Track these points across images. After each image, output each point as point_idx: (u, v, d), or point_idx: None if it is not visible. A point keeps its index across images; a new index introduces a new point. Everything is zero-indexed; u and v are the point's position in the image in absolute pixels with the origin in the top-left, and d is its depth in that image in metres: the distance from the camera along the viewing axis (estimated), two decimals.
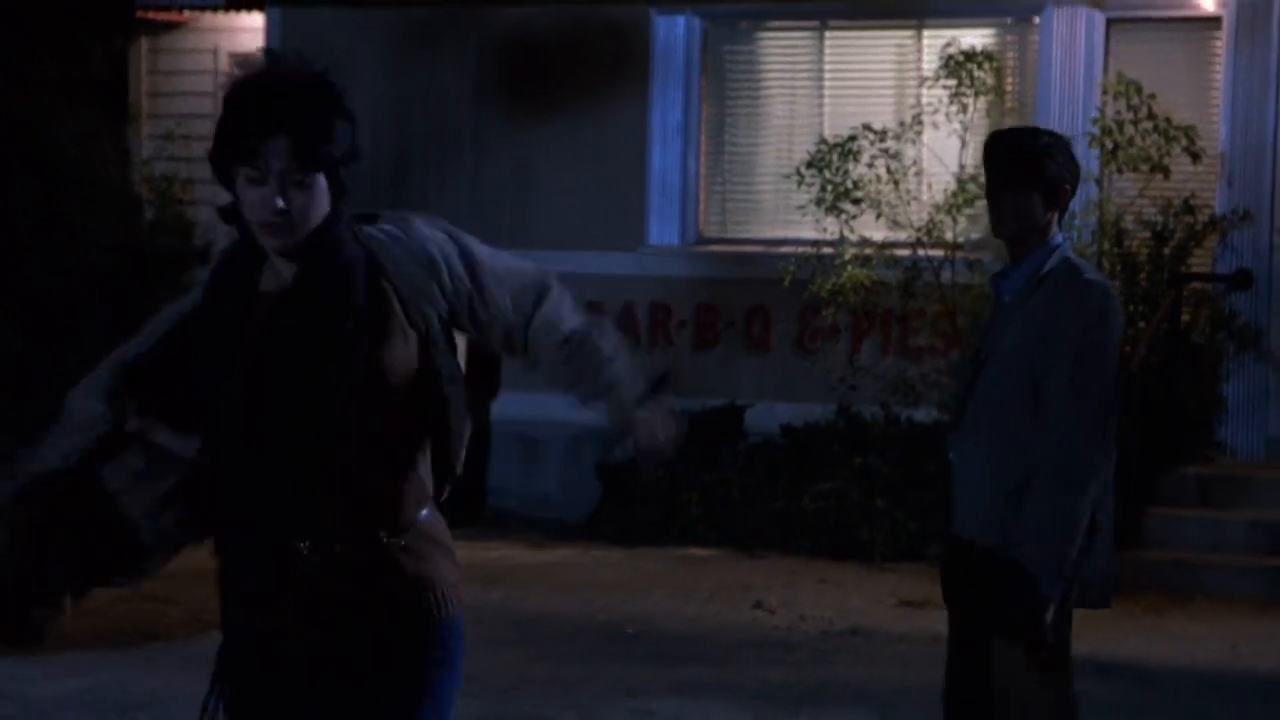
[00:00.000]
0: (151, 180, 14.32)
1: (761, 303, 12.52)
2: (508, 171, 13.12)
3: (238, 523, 3.47)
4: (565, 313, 3.58)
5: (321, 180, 3.41)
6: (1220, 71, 11.88)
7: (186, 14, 14.40)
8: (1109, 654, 8.98)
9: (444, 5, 13.19)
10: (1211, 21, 11.93)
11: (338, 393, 3.41)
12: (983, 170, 5.32)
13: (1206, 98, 11.98)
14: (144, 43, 14.57)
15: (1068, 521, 4.92)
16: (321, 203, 3.42)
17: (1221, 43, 11.89)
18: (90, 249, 13.24)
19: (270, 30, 13.68)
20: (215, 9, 13.98)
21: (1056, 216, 5.11)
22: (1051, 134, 5.17)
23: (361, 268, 3.46)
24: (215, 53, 14.68)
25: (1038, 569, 4.91)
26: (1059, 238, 5.12)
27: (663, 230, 12.86)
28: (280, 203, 3.36)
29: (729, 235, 12.88)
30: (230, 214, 3.47)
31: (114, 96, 14.16)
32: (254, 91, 3.40)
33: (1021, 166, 5.08)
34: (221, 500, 3.45)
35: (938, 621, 9.21)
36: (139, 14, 14.12)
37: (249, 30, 14.18)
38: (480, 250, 3.58)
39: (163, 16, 14.43)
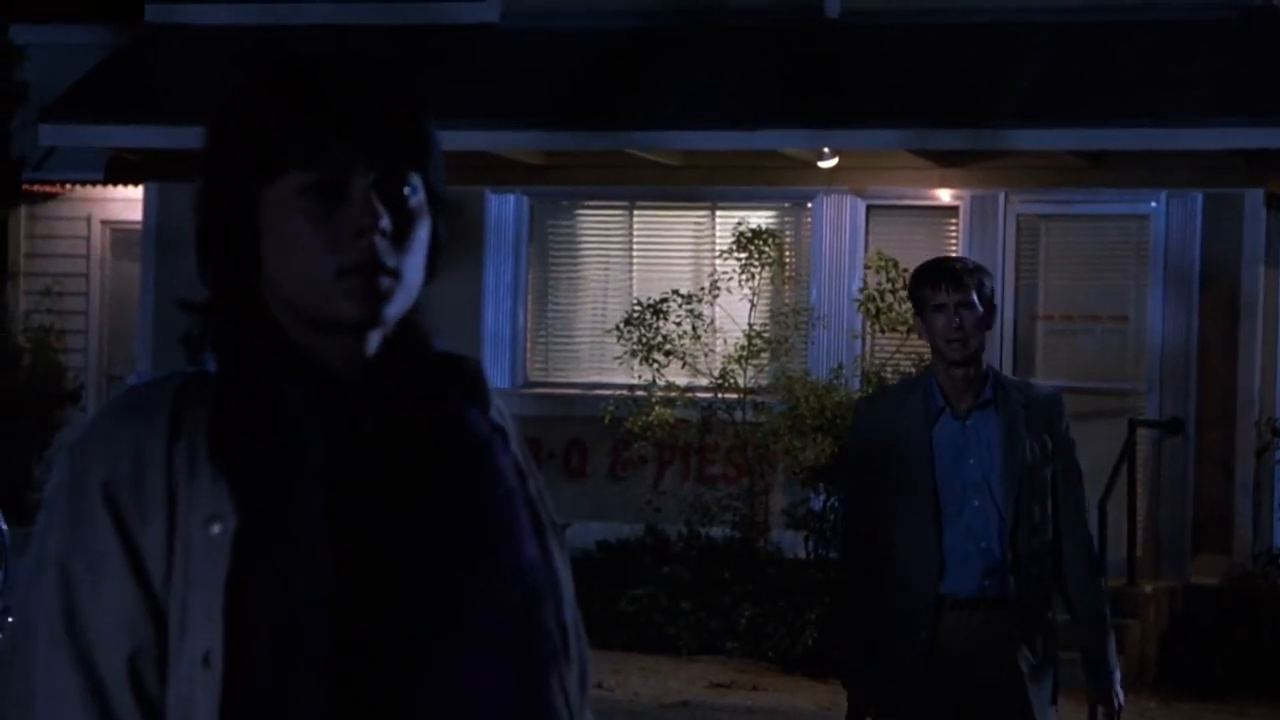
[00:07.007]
0: (29, 331, 16.08)
1: (579, 437, 14.32)
2: None
3: None
4: None
5: None
6: (958, 250, 13.87)
7: (67, 187, 16.19)
8: None
9: None
10: (951, 209, 14.13)
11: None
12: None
13: None
14: (24, 210, 16.31)
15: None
16: None
17: (959, 227, 14.06)
18: None
19: (147, 202, 15.31)
20: (94, 183, 15.56)
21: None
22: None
23: None
24: (89, 220, 16.48)
25: None
26: None
27: (495, 375, 14.82)
28: None
29: (551, 379, 14.70)
30: None
31: None
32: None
33: None
34: None
35: (745, 698, 11.82)
36: (24, 186, 15.87)
37: (123, 200, 15.94)
38: None
39: (45, 189, 16.19)
